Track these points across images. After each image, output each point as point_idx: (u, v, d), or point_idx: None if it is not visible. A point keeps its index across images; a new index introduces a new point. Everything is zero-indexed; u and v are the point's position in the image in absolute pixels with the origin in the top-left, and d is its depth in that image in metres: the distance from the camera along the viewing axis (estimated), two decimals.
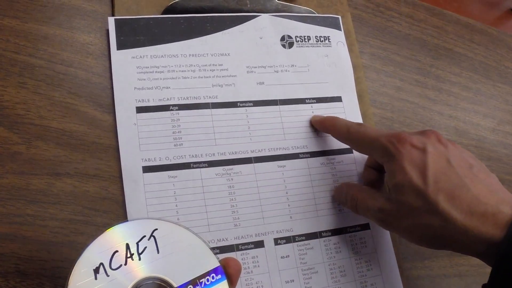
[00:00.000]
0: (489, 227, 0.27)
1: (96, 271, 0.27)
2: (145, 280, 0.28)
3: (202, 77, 0.37)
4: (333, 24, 0.43)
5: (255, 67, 0.39)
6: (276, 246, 0.35)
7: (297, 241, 0.36)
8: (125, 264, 0.28)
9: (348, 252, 0.37)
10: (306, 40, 0.41)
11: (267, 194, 0.36)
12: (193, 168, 0.35)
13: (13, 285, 0.30)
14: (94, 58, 0.36)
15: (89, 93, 0.35)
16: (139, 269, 0.28)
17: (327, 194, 0.38)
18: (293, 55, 0.40)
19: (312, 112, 0.39)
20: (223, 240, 0.34)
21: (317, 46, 0.42)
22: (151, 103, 0.35)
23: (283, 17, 0.41)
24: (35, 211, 0.32)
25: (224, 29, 0.39)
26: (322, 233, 0.37)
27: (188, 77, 0.37)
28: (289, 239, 0.35)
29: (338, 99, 0.41)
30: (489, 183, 0.30)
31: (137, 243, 0.28)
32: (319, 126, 0.38)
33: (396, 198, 0.31)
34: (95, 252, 0.27)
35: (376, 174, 0.37)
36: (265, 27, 0.40)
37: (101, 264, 0.27)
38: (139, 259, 0.28)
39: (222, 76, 0.38)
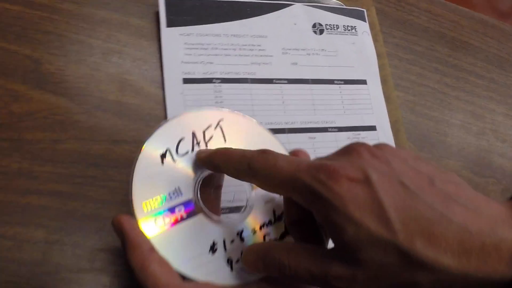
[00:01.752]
0: (495, 264, 0.20)
1: (163, 156, 0.26)
2: None
3: (242, 55, 0.41)
4: (359, 16, 0.47)
5: (289, 49, 0.43)
6: None
7: None
8: (192, 151, 0.27)
9: None
10: (335, 28, 0.45)
11: None
12: None
13: (75, 240, 0.33)
14: (146, 40, 0.40)
15: (142, 71, 0.39)
16: None
17: None
18: (323, 41, 0.44)
19: (340, 92, 0.43)
20: None
21: (345, 34, 0.45)
22: (196, 76, 0.39)
23: (314, 7, 0.45)
24: (95, 173, 0.35)
25: (262, 14, 0.43)
26: None
27: (230, 55, 0.41)
28: None
29: (363, 82, 0.44)
30: (465, 198, 0.22)
31: (204, 132, 0.28)
32: (206, 164, 0.28)
33: (354, 259, 0.22)
34: (161, 138, 0.27)
35: (304, 212, 0.26)
36: (298, 14, 0.44)
37: (168, 150, 0.26)
38: (206, 146, 0.27)
39: (260, 56, 0.42)
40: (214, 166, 0.28)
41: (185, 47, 0.40)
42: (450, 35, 0.52)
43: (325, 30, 0.45)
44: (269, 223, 0.28)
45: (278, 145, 0.29)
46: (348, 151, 0.25)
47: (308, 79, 0.42)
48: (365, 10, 0.47)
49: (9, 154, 0.34)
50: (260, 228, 0.28)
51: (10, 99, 0.35)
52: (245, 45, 0.41)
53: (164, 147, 0.27)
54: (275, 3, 0.44)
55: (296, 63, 0.42)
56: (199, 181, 0.27)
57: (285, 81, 0.41)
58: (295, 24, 0.44)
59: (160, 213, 0.26)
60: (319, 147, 0.40)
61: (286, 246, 0.25)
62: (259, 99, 0.40)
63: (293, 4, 0.44)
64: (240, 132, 0.28)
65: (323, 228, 0.27)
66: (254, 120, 0.29)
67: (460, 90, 0.50)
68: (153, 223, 0.26)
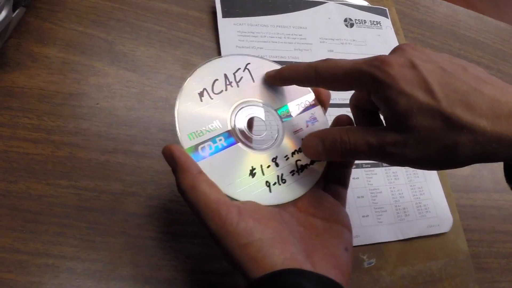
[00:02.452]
0: None
1: (201, 94, 0.29)
2: (246, 103, 0.31)
3: (286, 43, 0.47)
4: (382, 13, 0.54)
5: (326, 39, 0.49)
6: None
7: (364, 167, 0.44)
8: (226, 90, 0.30)
9: (404, 179, 0.45)
10: (363, 23, 0.52)
11: None
12: None
13: (149, 192, 0.37)
14: (204, 29, 0.46)
15: (202, 53, 0.45)
16: (239, 94, 0.30)
17: None
18: (354, 33, 0.51)
19: None
20: None
21: (372, 28, 0.52)
22: None
23: (345, 5, 0.52)
24: (165, 136, 0.39)
25: (301, 10, 0.49)
26: (383, 163, 0.45)
27: (276, 42, 0.47)
28: (358, 165, 0.44)
29: None
30: (492, 80, 0.26)
31: (234, 74, 0.30)
32: (277, 80, 0.33)
33: (406, 126, 0.26)
34: (197, 80, 0.29)
35: (371, 113, 0.33)
36: (332, 11, 0.51)
37: (205, 89, 0.29)
38: (238, 86, 0.30)
39: (301, 43, 0.48)
40: (284, 79, 0.32)
41: (238, 35, 0.46)
42: (460, 32, 0.59)
43: (355, 24, 0.51)
44: (300, 150, 0.31)
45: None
46: (395, 49, 0.29)
47: None
48: (387, 9, 0.54)
49: (88, 119, 0.39)
50: (292, 154, 0.31)
51: (88, 73, 0.41)
52: (289, 34, 0.48)
53: (201, 87, 0.30)
54: (312, 1, 0.51)
55: (332, 50, 0.49)
56: (235, 115, 0.30)
57: None
58: (329, 18, 0.50)
59: (203, 142, 0.28)
60: None
61: (345, 127, 0.30)
62: None
63: (327, 2, 0.51)
64: None
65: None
66: (277, 65, 0.32)
67: None
68: (198, 152, 0.28)
